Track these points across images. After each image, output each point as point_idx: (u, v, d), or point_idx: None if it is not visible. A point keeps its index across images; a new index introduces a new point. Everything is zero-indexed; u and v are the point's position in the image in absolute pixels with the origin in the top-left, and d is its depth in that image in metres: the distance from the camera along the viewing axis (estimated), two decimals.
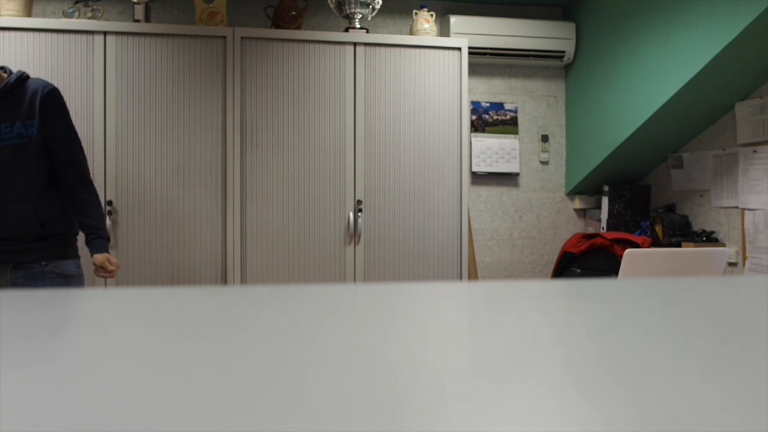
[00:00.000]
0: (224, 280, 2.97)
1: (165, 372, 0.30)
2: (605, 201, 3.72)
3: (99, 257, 2.01)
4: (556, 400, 0.26)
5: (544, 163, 3.93)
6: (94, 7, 3.04)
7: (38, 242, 1.97)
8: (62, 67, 2.83)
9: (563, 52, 3.76)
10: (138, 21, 2.99)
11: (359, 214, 3.08)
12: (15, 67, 2.77)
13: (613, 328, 0.41)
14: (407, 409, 0.25)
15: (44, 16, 3.29)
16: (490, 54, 3.68)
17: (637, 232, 3.60)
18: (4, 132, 1.91)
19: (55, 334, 0.38)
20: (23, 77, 1.97)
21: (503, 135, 3.83)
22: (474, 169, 3.77)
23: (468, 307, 0.50)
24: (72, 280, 2.02)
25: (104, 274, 2.03)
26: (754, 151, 3.07)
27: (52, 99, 1.97)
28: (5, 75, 1.96)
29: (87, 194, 2.02)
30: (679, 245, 3.35)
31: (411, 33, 3.34)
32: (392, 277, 3.12)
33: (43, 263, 1.97)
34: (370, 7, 3.19)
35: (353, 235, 3.08)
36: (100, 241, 2.01)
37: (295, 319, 0.43)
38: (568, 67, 3.93)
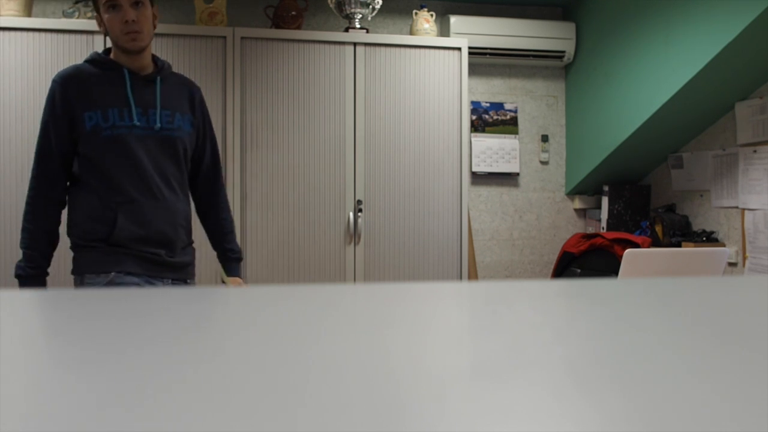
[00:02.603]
0: (224, 280, 2.97)
1: (164, 373, 0.30)
2: (605, 201, 3.72)
3: (235, 280, 1.85)
4: (556, 400, 0.26)
5: (544, 163, 3.93)
6: None
7: (188, 248, 1.73)
8: (62, 68, 2.82)
9: (563, 52, 3.76)
10: None
11: (359, 214, 3.08)
12: (15, 68, 2.77)
13: (613, 329, 0.41)
14: (407, 409, 0.25)
15: (44, 16, 3.29)
16: (490, 54, 3.68)
17: (637, 232, 3.60)
18: (165, 120, 1.64)
19: (56, 335, 0.38)
20: (170, 67, 1.76)
21: (503, 135, 3.83)
22: (474, 169, 3.77)
23: (468, 307, 0.50)
24: None
25: None
26: (754, 151, 3.07)
27: (203, 100, 1.79)
28: (155, 64, 1.72)
29: (227, 211, 1.86)
30: (679, 245, 3.35)
31: (411, 33, 3.34)
32: (392, 277, 3.12)
33: (188, 282, 1.73)
34: (370, 7, 3.19)
35: (353, 235, 3.08)
36: (239, 264, 1.88)
37: (295, 320, 0.43)
38: (568, 67, 3.93)
